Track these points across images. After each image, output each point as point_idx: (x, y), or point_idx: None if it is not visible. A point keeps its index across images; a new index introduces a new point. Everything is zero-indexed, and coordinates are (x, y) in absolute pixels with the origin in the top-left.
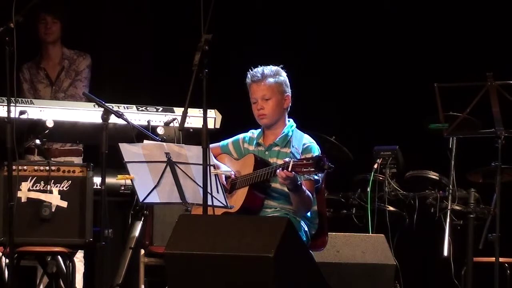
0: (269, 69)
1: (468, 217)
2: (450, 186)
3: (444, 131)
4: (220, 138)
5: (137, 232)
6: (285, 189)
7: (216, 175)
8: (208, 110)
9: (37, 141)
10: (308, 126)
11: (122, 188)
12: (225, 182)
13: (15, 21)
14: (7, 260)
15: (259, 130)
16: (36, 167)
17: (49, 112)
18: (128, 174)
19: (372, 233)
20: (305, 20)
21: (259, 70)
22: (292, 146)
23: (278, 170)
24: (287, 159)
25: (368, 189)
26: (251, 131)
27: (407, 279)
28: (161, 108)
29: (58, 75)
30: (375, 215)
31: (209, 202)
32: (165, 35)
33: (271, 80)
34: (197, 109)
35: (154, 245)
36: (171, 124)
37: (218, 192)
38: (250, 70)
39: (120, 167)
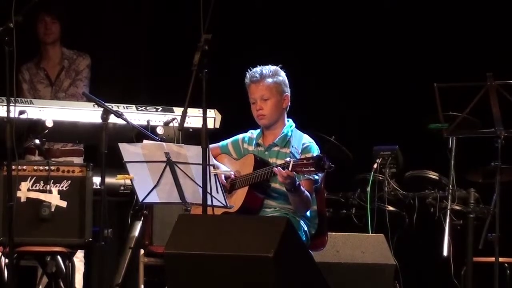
0: (267, 69)
1: (468, 217)
2: (450, 186)
3: (444, 131)
4: (220, 138)
5: (136, 232)
6: (284, 189)
7: (216, 175)
8: (208, 110)
9: (37, 141)
10: (308, 126)
11: (121, 188)
12: (225, 182)
13: (15, 21)
14: (7, 260)
15: (259, 130)
16: (35, 167)
17: (48, 112)
18: (128, 174)
19: (371, 233)
20: (304, 19)
21: (257, 70)
22: (292, 146)
23: (277, 169)
24: (287, 159)
25: (368, 189)
26: (250, 131)
27: (406, 279)
28: (160, 108)
29: (58, 75)
30: (375, 215)
31: (209, 202)
32: (164, 35)
33: (269, 80)
34: (197, 109)
35: (154, 245)
36: (171, 124)
37: (217, 192)
38: (249, 70)
39: (119, 167)
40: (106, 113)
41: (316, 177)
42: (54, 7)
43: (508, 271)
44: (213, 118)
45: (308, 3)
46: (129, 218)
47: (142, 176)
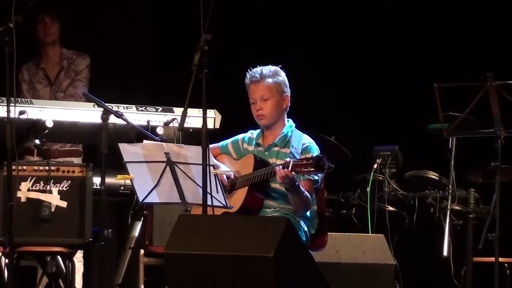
0: (267, 69)
1: (468, 217)
2: (450, 186)
3: (443, 131)
4: (220, 138)
5: (136, 232)
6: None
7: (216, 175)
8: (208, 110)
9: (37, 141)
10: (308, 126)
11: (121, 188)
12: (226, 182)
13: (15, 21)
14: (7, 260)
15: (259, 130)
16: (35, 167)
17: (48, 112)
18: (128, 174)
19: (371, 233)
20: (304, 19)
21: (257, 70)
22: (292, 146)
23: (277, 168)
24: (287, 159)
25: (368, 189)
26: (250, 131)
27: (406, 279)
28: (160, 108)
29: (57, 75)
30: (375, 215)
31: (209, 202)
32: (164, 35)
33: (269, 80)
34: (197, 109)
35: (154, 245)
36: (171, 124)
37: (217, 192)
38: (249, 71)
39: (119, 167)
40: (106, 113)
41: (316, 177)
42: (53, 7)
43: (508, 271)
44: (213, 118)
45: (308, 3)
46: (129, 218)
47: (142, 176)
